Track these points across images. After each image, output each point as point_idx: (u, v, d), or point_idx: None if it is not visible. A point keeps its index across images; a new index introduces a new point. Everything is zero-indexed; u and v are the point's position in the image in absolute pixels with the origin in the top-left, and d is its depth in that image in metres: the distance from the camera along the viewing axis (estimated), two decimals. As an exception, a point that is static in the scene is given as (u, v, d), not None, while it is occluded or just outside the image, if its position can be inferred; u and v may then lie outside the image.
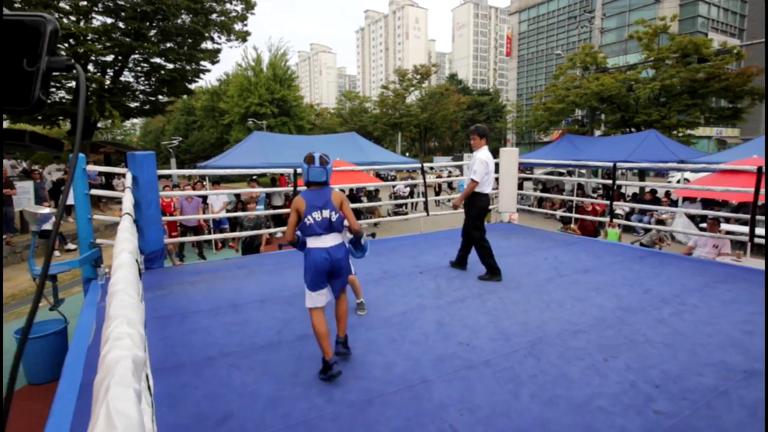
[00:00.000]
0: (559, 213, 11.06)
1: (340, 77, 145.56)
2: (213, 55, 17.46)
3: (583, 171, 18.15)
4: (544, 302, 3.80)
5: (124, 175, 4.91)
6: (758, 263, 6.21)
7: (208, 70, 18.35)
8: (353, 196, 14.17)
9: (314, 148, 13.79)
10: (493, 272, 4.52)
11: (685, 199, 11.71)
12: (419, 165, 7.98)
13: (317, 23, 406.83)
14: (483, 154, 4.58)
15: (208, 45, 17.26)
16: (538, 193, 13.83)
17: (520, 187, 10.51)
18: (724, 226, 8.11)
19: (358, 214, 12.68)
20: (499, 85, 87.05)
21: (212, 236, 9.01)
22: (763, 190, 5.19)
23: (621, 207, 11.79)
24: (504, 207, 7.53)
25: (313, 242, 2.62)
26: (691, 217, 10.32)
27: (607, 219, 7.28)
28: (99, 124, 18.33)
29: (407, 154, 44.62)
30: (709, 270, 4.82)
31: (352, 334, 3.15)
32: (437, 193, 19.61)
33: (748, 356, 2.79)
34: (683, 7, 42.41)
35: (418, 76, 39.05)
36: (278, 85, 28.88)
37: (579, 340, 3.03)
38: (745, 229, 6.01)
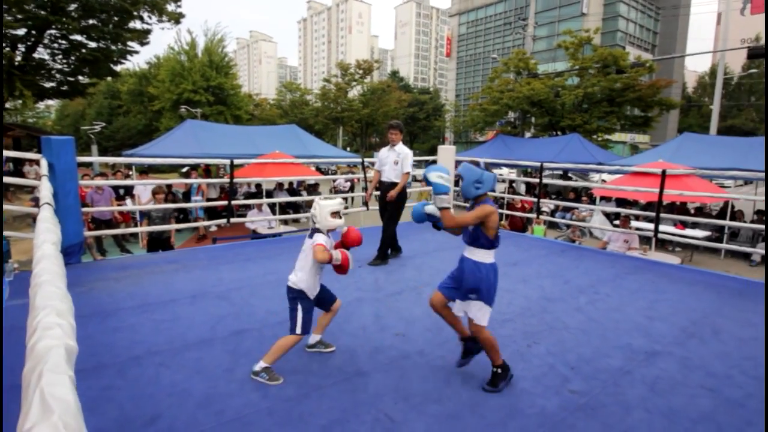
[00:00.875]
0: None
1: (281, 68, 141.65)
2: (142, 36, 16.29)
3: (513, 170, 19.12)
4: (476, 294, 4.00)
5: (37, 162, 4.49)
6: (661, 257, 6.94)
7: (137, 52, 17.11)
8: (293, 189, 13.92)
9: (253, 139, 13.38)
10: (385, 258, 4.95)
11: (602, 198, 12.77)
12: (360, 160, 8.02)
13: (257, 10, 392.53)
14: (406, 148, 5.01)
15: (136, 24, 16.06)
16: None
17: (456, 184, 10.89)
18: (633, 223, 8.95)
19: (298, 207, 12.49)
20: (439, 84, 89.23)
21: (126, 230, 8.39)
22: (670, 191, 5.81)
23: (546, 204, 12.60)
24: (440, 203, 7.78)
25: (492, 257, 2.53)
26: (607, 215, 11.27)
27: (534, 216, 7.78)
28: (8, 105, 16.45)
29: (348, 148, 44.49)
30: (620, 263, 5.33)
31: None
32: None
33: (650, 339, 3.14)
34: (605, 21, 45.98)
35: (361, 71, 38.96)
36: (214, 72, 27.41)
37: (506, 329, 3.24)
38: (651, 225, 6.69)
